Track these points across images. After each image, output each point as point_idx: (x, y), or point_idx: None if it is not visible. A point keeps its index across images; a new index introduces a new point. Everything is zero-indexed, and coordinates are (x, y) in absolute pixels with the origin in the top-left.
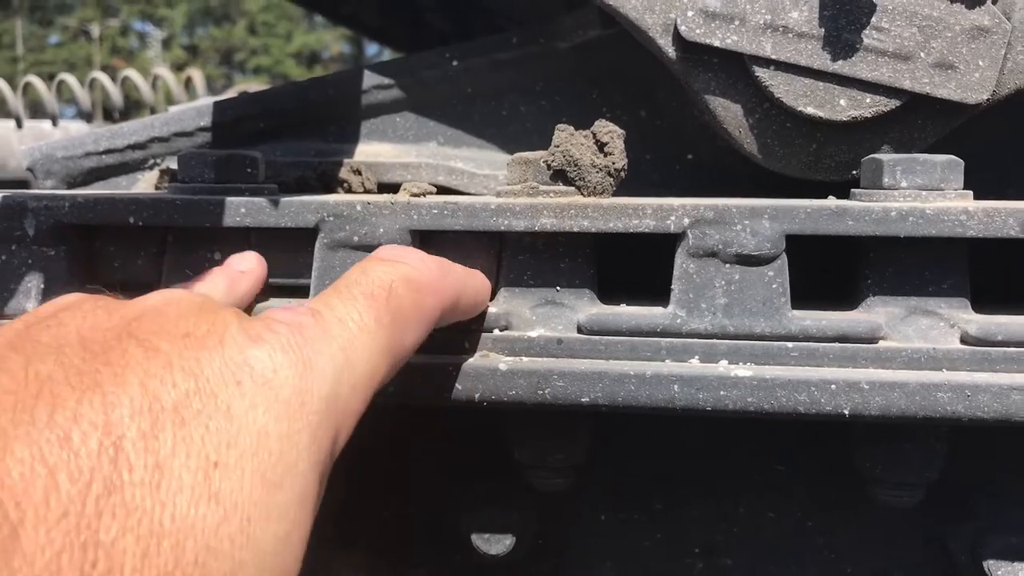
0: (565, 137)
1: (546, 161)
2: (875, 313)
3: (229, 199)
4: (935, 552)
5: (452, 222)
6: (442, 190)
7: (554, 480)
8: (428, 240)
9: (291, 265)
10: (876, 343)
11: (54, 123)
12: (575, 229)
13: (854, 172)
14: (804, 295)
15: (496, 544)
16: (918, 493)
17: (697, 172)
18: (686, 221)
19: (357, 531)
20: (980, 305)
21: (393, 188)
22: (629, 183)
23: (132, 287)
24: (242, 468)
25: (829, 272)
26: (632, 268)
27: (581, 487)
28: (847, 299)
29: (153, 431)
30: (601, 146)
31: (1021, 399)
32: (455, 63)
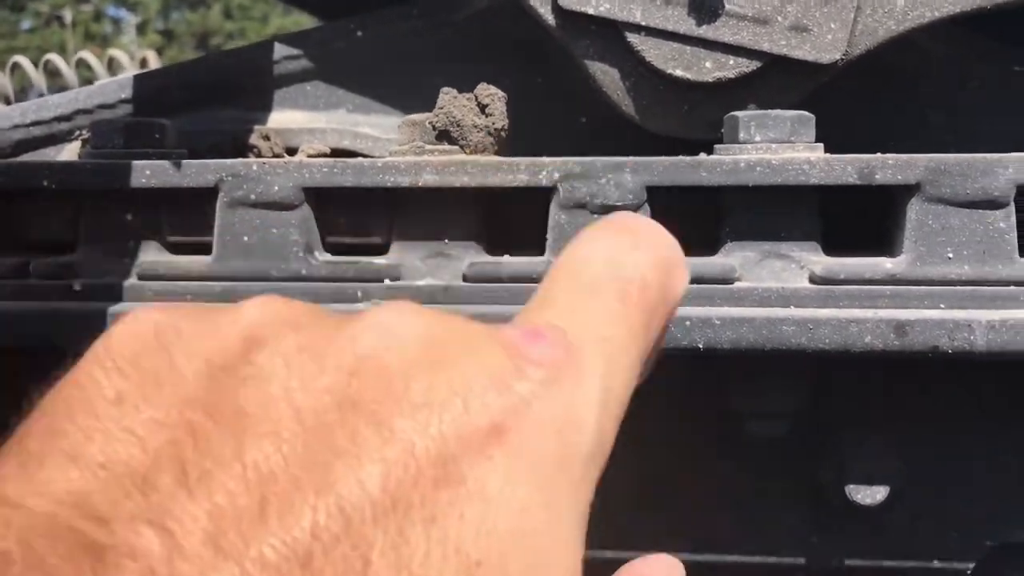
0: (448, 100)
1: (431, 122)
2: (732, 257)
3: (135, 163)
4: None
5: (341, 179)
6: (349, 154)
7: None
8: (323, 198)
9: (196, 224)
10: (731, 284)
11: (7, 103)
12: (456, 184)
13: (723, 132)
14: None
15: None
16: (784, 425)
17: (589, 134)
18: (556, 175)
19: None
20: (846, 251)
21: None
22: (527, 147)
23: (49, 248)
24: (504, 560)
25: (698, 227)
26: (517, 225)
27: None
28: (711, 248)
29: (402, 535)
30: (482, 107)
31: (857, 331)
32: (359, 33)
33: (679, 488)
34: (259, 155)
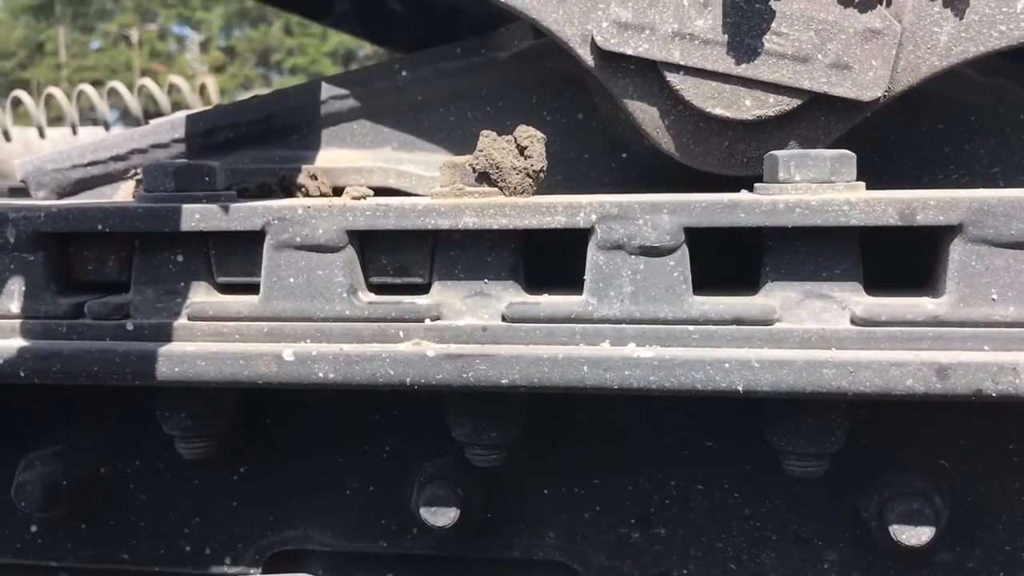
0: (488, 142)
1: (471, 165)
2: (772, 297)
3: (185, 207)
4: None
5: (384, 222)
6: (394, 192)
7: (489, 457)
8: (367, 240)
9: (245, 265)
10: (771, 325)
11: (74, 131)
12: (494, 226)
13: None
14: (720, 285)
15: (442, 517)
16: (823, 464)
17: (632, 170)
18: (593, 217)
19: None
20: (888, 289)
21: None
22: (568, 182)
23: (104, 288)
24: None
25: (746, 265)
26: (565, 261)
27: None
28: (754, 287)
29: None
30: (521, 150)
31: (899, 374)
32: (404, 73)
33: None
34: (307, 194)
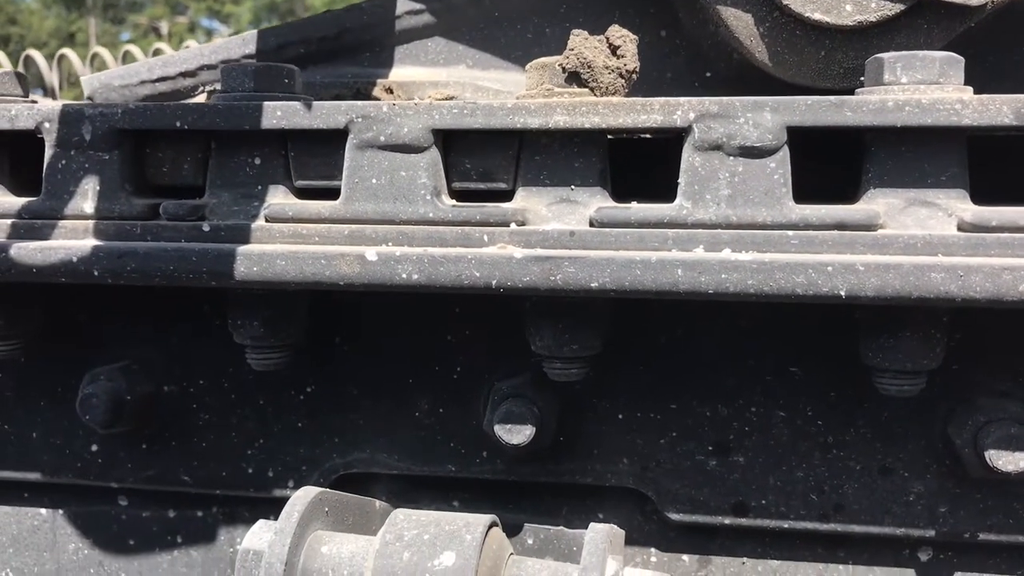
0: (579, 41)
1: (561, 64)
2: (875, 203)
3: (267, 103)
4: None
5: (471, 121)
6: None
7: (569, 371)
8: (451, 140)
9: (324, 168)
10: (874, 231)
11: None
12: (586, 126)
13: (862, 79)
14: (814, 197)
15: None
16: (919, 382)
17: (717, 89)
18: (692, 115)
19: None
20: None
21: None
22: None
23: (180, 190)
24: None
25: (841, 175)
26: (648, 175)
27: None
28: (852, 197)
29: None
30: (614, 49)
31: (1012, 279)
32: None
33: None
34: None
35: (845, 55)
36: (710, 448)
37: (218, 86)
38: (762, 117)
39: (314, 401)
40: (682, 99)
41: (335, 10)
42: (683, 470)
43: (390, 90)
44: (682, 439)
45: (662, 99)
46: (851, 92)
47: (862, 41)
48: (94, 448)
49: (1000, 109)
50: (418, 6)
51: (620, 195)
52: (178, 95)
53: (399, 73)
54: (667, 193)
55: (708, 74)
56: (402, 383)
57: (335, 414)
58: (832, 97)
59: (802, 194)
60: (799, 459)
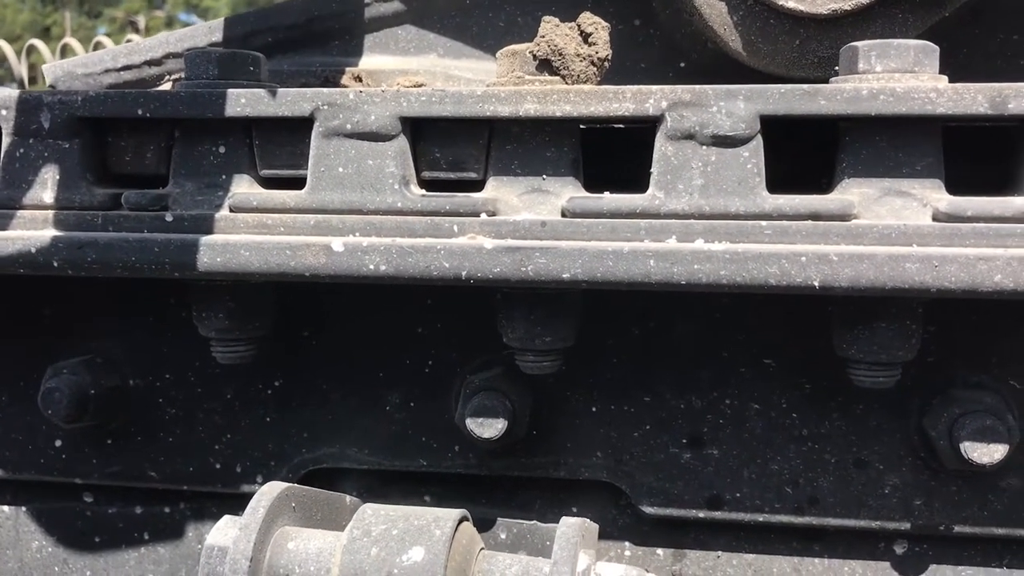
0: (550, 28)
1: (532, 51)
2: (850, 194)
3: (231, 91)
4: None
5: (440, 109)
6: None
7: (541, 363)
8: (420, 129)
9: (290, 157)
10: (848, 220)
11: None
12: (557, 114)
13: (837, 68)
14: (788, 187)
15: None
16: (894, 373)
17: (690, 79)
18: (664, 104)
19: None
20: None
21: None
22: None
23: (142, 179)
24: None
25: (815, 167)
26: (621, 164)
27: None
28: (827, 187)
29: None
30: (585, 36)
31: (986, 268)
32: None
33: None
34: None
35: (820, 44)
36: (684, 441)
37: (180, 74)
38: (735, 106)
39: (282, 395)
40: (654, 87)
41: None
42: (657, 463)
43: (359, 78)
44: (656, 432)
45: (634, 87)
46: (826, 81)
47: (837, 30)
48: (58, 444)
49: (975, 98)
50: None
51: (593, 184)
52: (143, 83)
53: (368, 61)
54: (640, 182)
55: (682, 64)
56: (372, 376)
57: (304, 408)
58: (806, 86)
59: (777, 183)
60: (774, 452)
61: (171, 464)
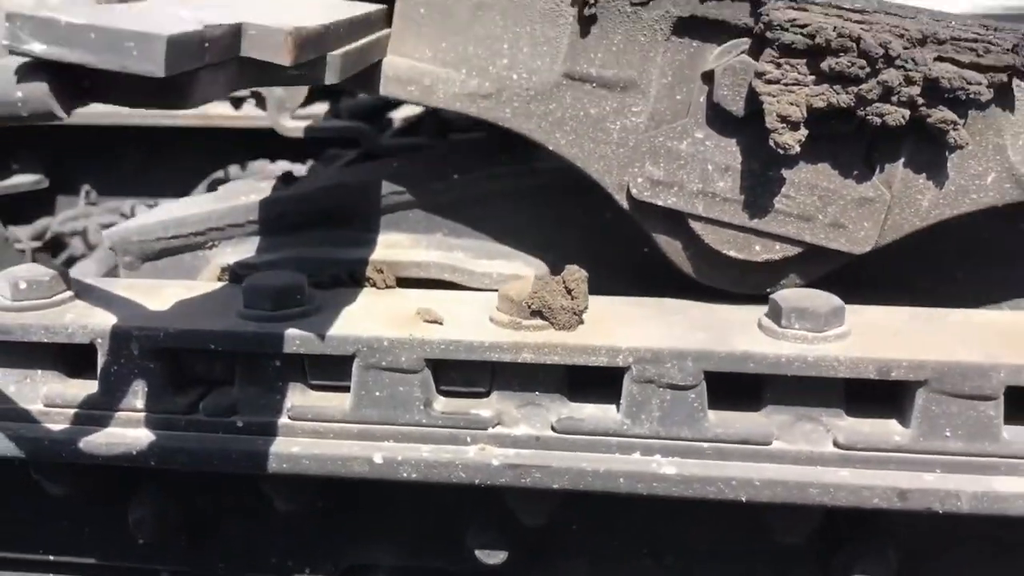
0: (541, 285)
1: (527, 303)
2: (771, 419)
3: (287, 332)
4: None
5: (455, 355)
6: (449, 285)
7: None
8: (439, 362)
9: (334, 373)
10: (770, 444)
11: None
12: (548, 362)
13: (768, 291)
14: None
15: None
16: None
17: (654, 263)
18: (631, 359)
19: None
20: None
21: (409, 283)
22: (607, 269)
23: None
24: None
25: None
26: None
27: None
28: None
29: None
30: (569, 290)
31: (868, 495)
32: (455, 176)
33: None
34: (374, 285)
35: (755, 277)
36: None
37: (226, 247)
38: (685, 364)
39: None
40: (623, 346)
41: (328, 187)
42: None
43: (380, 270)
44: None
45: (607, 345)
46: (764, 296)
47: (768, 269)
48: None
49: (867, 367)
50: (400, 188)
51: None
52: (189, 248)
53: (384, 239)
54: (615, 384)
55: (646, 249)
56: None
57: None
58: (739, 351)
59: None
60: None
61: None
